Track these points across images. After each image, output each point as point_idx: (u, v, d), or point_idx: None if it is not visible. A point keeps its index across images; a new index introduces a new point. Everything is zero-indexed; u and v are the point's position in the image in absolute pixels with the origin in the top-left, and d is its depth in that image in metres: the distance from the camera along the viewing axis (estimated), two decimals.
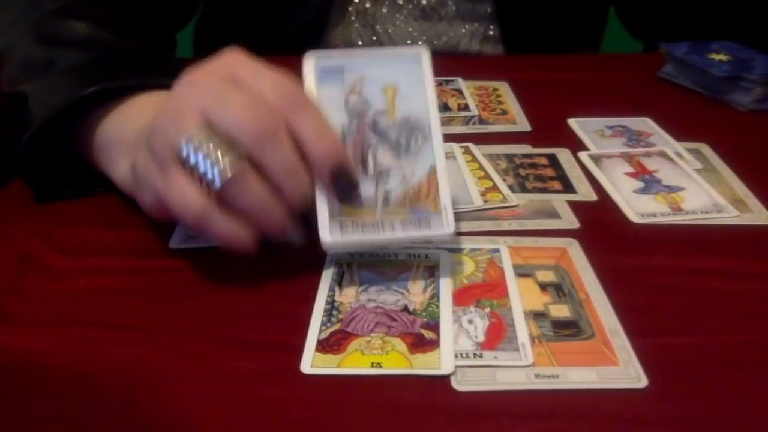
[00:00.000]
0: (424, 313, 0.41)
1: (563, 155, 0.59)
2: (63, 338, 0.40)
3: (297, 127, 0.41)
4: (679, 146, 0.61)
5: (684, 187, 0.54)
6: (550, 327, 0.41)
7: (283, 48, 0.62)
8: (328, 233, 0.43)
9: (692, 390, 0.37)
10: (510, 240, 0.48)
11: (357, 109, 0.44)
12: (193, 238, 0.48)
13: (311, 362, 0.38)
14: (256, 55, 0.43)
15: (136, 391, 0.37)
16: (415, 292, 0.43)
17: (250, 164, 0.40)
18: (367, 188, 0.43)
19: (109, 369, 0.38)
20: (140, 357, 0.39)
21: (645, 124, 0.65)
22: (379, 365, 0.38)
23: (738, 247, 0.48)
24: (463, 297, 0.43)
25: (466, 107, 0.68)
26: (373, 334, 0.40)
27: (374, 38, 0.82)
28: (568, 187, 0.55)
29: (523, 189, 0.54)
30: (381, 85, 0.44)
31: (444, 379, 0.37)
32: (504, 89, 0.72)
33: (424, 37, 0.82)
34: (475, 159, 0.58)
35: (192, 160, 0.40)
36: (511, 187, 0.54)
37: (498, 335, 0.40)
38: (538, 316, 0.41)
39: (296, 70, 0.44)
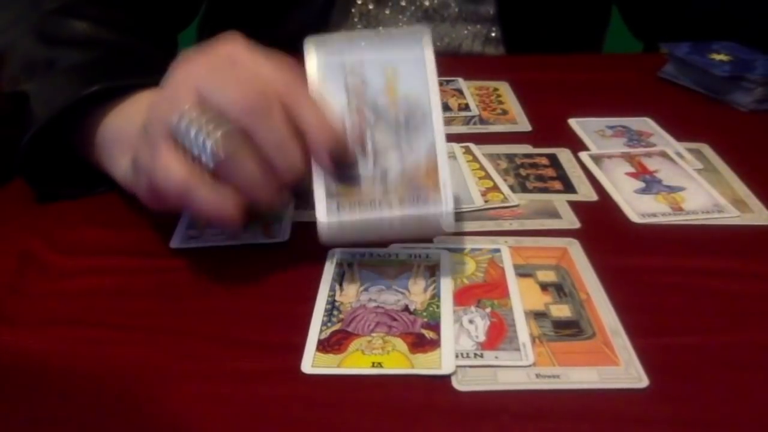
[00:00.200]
0: (424, 313, 0.41)
1: (564, 155, 0.59)
2: (63, 338, 0.40)
3: (294, 107, 0.41)
4: (680, 146, 0.60)
5: (685, 187, 0.54)
6: (550, 327, 0.41)
7: (285, 48, 0.62)
8: (325, 213, 0.43)
9: (693, 390, 0.37)
10: (511, 240, 0.48)
11: (356, 90, 0.44)
12: (193, 238, 0.48)
13: (312, 362, 0.38)
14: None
15: (137, 390, 0.37)
16: (416, 292, 0.43)
17: (242, 140, 0.40)
18: (365, 168, 0.43)
19: (110, 369, 0.38)
20: (141, 357, 0.39)
21: (646, 124, 0.65)
22: (379, 365, 0.38)
23: (739, 247, 0.48)
24: (463, 297, 0.43)
25: (467, 107, 0.68)
26: (373, 334, 0.40)
27: None
28: (568, 187, 0.55)
29: (524, 189, 0.54)
30: (381, 66, 0.44)
31: (445, 379, 0.37)
32: (504, 89, 0.72)
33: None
34: (475, 159, 0.58)
35: (184, 135, 0.40)
36: (511, 187, 0.54)
37: (499, 335, 0.40)
38: (538, 316, 0.41)
39: (298, 68, 0.44)
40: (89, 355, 0.39)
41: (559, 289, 0.44)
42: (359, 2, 0.81)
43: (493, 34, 0.83)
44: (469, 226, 0.50)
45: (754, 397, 0.37)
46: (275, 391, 0.37)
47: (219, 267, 0.46)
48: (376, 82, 0.44)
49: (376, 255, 0.46)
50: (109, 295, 0.44)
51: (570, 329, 0.40)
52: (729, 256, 0.47)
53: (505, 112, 0.67)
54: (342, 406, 0.36)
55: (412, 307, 0.42)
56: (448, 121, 0.64)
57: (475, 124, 0.65)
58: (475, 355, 0.39)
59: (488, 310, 0.42)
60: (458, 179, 0.54)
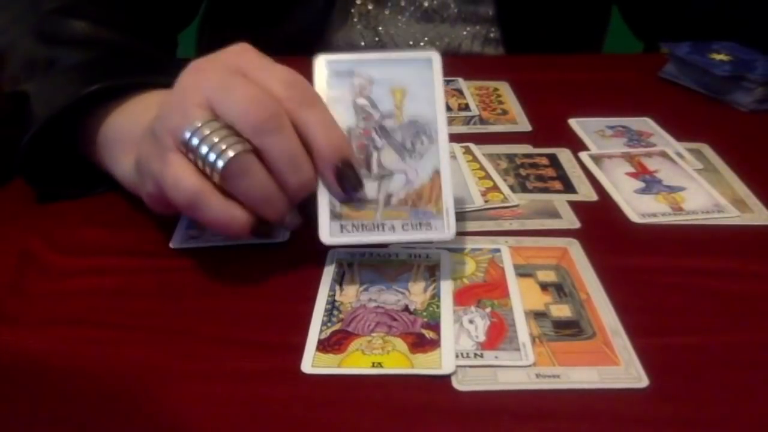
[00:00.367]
0: (424, 313, 0.41)
1: (564, 155, 0.59)
2: (63, 338, 0.40)
3: (302, 120, 0.41)
4: (680, 146, 0.60)
5: (685, 187, 0.54)
6: (551, 327, 0.41)
7: (285, 49, 0.62)
8: (327, 233, 0.43)
9: (693, 390, 0.37)
10: (511, 240, 0.48)
11: (364, 111, 0.44)
12: (194, 238, 0.48)
13: (312, 362, 0.38)
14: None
15: (137, 390, 0.37)
16: (416, 292, 0.43)
17: (253, 159, 0.41)
18: (369, 189, 0.43)
19: (110, 369, 0.38)
20: (141, 357, 0.39)
21: (646, 124, 0.65)
22: (379, 365, 0.38)
23: (739, 247, 0.48)
24: (463, 297, 0.43)
25: (467, 107, 0.68)
26: (373, 334, 0.40)
27: (377, 39, 0.82)
28: (568, 187, 0.55)
29: (524, 189, 0.54)
30: (389, 88, 0.44)
31: (445, 379, 0.37)
32: (504, 89, 0.72)
33: (426, 39, 0.82)
34: (475, 159, 0.58)
35: (195, 146, 0.40)
36: (511, 187, 0.54)
37: (499, 335, 0.40)
38: (539, 315, 0.41)
39: (300, 70, 0.44)
40: (89, 355, 0.39)
41: (559, 289, 0.44)
42: (359, 2, 0.81)
43: (493, 35, 0.83)
44: (469, 226, 0.50)
45: (754, 397, 0.37)
46: (275, 391, 0.37)
47: (219, 267, 0.46)
48: (384, 103, 0.44)
49: (376, 255, 0.46)
50: (109, 295, 0.44)
51: (570, 329, 0.40)
52: (729, 256, 0.47)
53: (505, 112, 0.67)
54: (342, 406, 0.36)
55: (412, 307, 0.42)
56: (448, 121, 0.64)
57: (475, 124, 0.65)
58: (475, 355, 0.39)
59: (488, 310, 0.42)
60: (458, 179, 0.55)
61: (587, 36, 0.92)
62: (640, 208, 0.52)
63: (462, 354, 0.39)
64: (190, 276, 0.45)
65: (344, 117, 0.44)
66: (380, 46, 0.82)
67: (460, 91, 0.71)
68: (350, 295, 0.43)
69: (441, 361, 0.38)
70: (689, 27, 0.81)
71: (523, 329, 0.40)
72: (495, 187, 0.54)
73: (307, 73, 0.44)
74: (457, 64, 0.76)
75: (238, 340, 0.40)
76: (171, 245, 0.48)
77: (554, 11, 0.84)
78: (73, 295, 0.44)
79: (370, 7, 0.81)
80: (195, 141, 0.40)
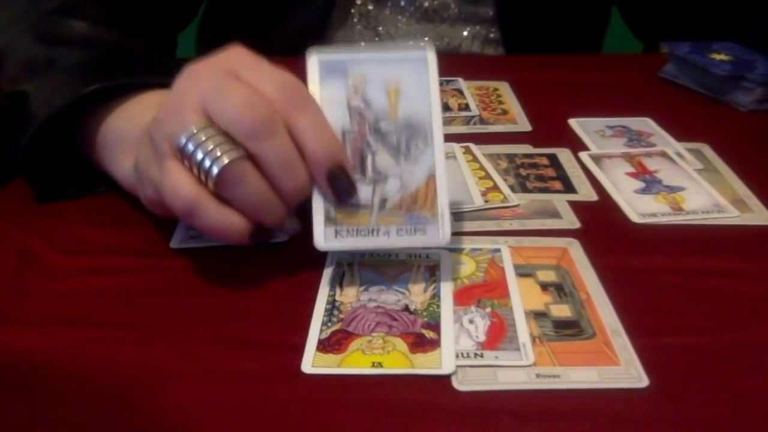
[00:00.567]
0: (424, 313, 0.41)
1: (564, 155, 0.59)
2: (63, 338, 0.40)
3: (295, 123, 0.41)
4: (680, 146, 0.60)
5: (685, 187, 0.54)
6: (551, 327, 0.41)
7: (285, 49, 0.62)
8: (322, 238, 0.43)
9: (693, 390, 0.37)
10: (511, 240, 0.48)
11: (358, 110, 0.44)
12: (194, 237, 0.48)
13: (312, 362, 0.38)
14: (258, 54, 0.44)
15: (137, 390, 0.37)
16: (416, 292, 0.43)
17: (248, 158, 0.41)
18: (363, 192, 0.43)
19: (110, 369, 0.38)
20: (141, 356, 0.39)
21: (645, 124, 0.65)
22: (380, 365, 0.38)
23: (739, 248, 0.48)
24: (464, 297, 0.43)
25: (467, 107, 0.68)
26: (374, 334, 0.40)
27: (377, 39, 0.82)
28: (568, 187, 0.55)
29: (524, 189, 0.54)
30: (384, 86, 0.44)
31: (445, 379, 0.37)
32: (504, 89, 0.72)
33: (426, 39, 0.82)
34: (475, 159, 0.58)
35: (191, 152, 0.40)
36: (511, 187, 0.54)
37: (499, 335, 0.40)
38: (539, 315, 0.41)
39: (298, 71, 0.44)
40: (89, 355, 0.39)
41: (560, 289, 0.44)
42: (359, 2, 0.81)
43: (493, 35, 0.83)
44: (469, 226, 0.50)
45: (754, 397, 0.37)
46: (275, 390, 0.37)
47: (219, 267, 0.46)
48: (378, 103, 0.44)
49: (376, 255, 0.46)
50: (109, 295, 0.44)
51: (570, 329, 0.40)
52: (729, 256, 0.47)
53: (505, 112, 0.67)
54: (342, 406, 0.36)
55: (412, 307, 0.42)
56: (448, 121, 0.64)
57: (475, 124, 0.65)
58: (476, 354, 0.39)
59: (488, 309, 0.42)
60: (458, 179, 0.55)
61: (587, 36, 0.92)
62: (640, 208, 0.52)
63: (462, 354, 0.39)
64: (190, 276, 0.45)
65: (338, 118, 0.43)
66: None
67: (460, 91, 0.71)
68: (350, 295, 0.43)
69: (441, 361, 0.38)
70: (689, 27, 0.81)
71: (523, 329, 0.40)
72: (495, 187, 0.54)
73: (304, 74, 0.44)
74: (457, 64, 0.76)
75: (238, 340, 0.40)
76: (171, 245, 0.48)
77: (554, 12, 0.84)
78: (73, 295, 0.44)
79: (370, 7, 0.81)
80: (190, 147, 0.40)
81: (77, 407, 0.36)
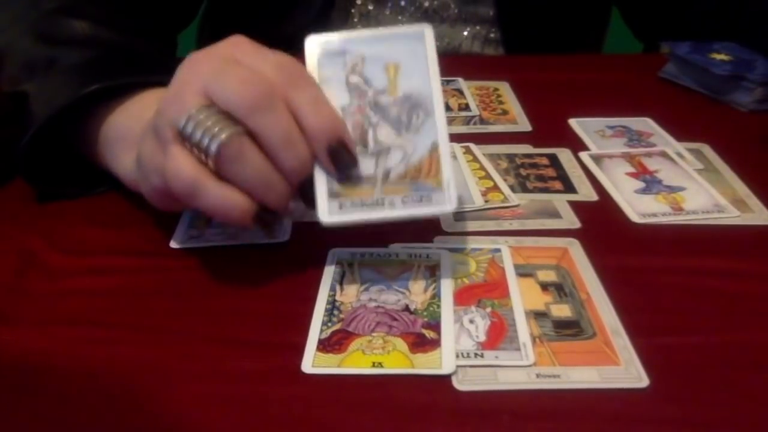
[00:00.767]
0: (425, 313, 0.41)
1: (564, 155, 0.59)
2: (63, 338, 0.40)
3: (294, 100, 0.41)
4: (680, 146, 0.60)
5: (685, 187, 0.54)
6: (551, 327, 0.41)
7: (286, 49, 0.61)
8: (326, 212, 0.42)
9: (693, 390, 0.37)
10: (511, 240, 0.48)
11: (358, 88, 0.43)
12: (194, 237, 0.48)
13: (312, 362, 0.38)
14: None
15: (137, 390, 0.37)
16: (416, 292, 0.43)
17: (248, 141, 0.41)
18: (367, 166, 0.43)
19: (110, 369, 0.38)
20: (141, 356, 0.39)
21: (646, 124, 0.65)
22: (380, 365, 0.38)
23: (739, 248, 0.48)
24: (464, 297, 0.43)
25: (467, 107, 0.68)
26: (374, 334, 0.40)
27: None
28: (569, 187, 0.55)
29: (524, 189, 0.54)
30: (383, 64, 0.44)
31: (445, 379, 0.37)
32: (505, 89, 0.72)
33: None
34: (476, 159, 0.58)
35: (190, 133, 0.40)
36: (512, 187, 0.54)
37: (499, 335, 0.40)
38: (539, 315, 0.41)
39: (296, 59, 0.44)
40: (89, 355, 0.39)
41: (560, 289, 0.44)
42: (359, 2, 0.81)
43: (493, 35, 0.83)
44: (470, 226, 0.50)
45: (754, 397, 0.37)
46: (276, 390, 0.37)
47: (219, 267, 0.46)
48: (377, 80, 0.44)
49: (377, 255, 0.46)
50: (109, 295, 0.44)
51: (570, 329, 0.40)
52: (729, 256, 0.47)
53: (505, 112, 0.67)
54: (342, 406, 0.36)
55: (412, 307, 0.42)
56: (448, 121, 0.64)
57: (475, 124, 0.65)
58: (476, 354, 0.39)
59: (488, 309, 0.42)
60: (459, 179, 0.54)
61: (587, 36, 0.92)
62: (640, 208, 0.52)
63: (462, 354, 0.38)
64: (190, 276, 0.45)
65: (337, 96, 0.43)
66: None
67: (460, 91, 0.71)
68: (350, 294, 0.43)
69: (441, 361, 0.38)
70: (689, 28, 0.81)
71: (523, 329, 0.40)
72: (495, 187, 0.54)
73: (304, 61, 0.44)
74: (457, 64, 0.76)
75: (238, 340, 0.40)
76: (171, 245, 0.48)
77: (554, 12, 0.84)
78: (73, 295, 0.44)
79: (370, 7, 0.81)
80: (190, 128, 0.40)
81: (77, 407, 0.36)
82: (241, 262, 0.46)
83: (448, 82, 0.72)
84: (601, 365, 0.38)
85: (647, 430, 0.35)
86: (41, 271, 0.46)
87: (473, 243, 0.48)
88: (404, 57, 0.44)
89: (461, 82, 0.72)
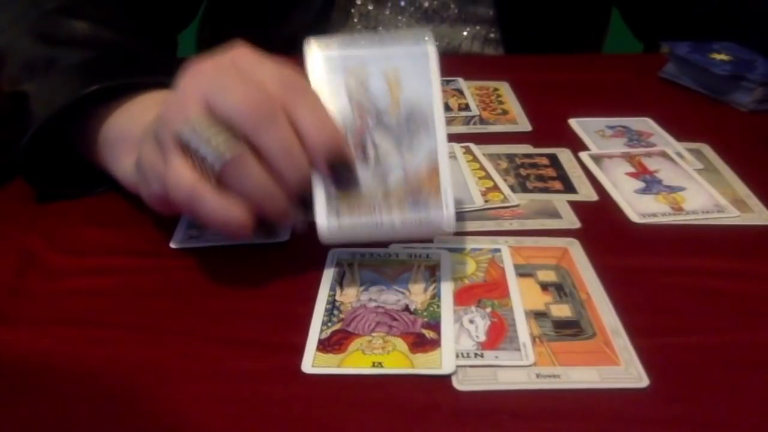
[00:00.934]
0: (425, 313, 0.41)
1: (564, 155, 0.59)
2: (63, 338, 0.40)
3: (295, 113, 0.41)
4: (680, 146, 0.60)
5: (685, 187, 0.54)
6: (551, 327, 0.41)
7: (285, 49, 0.61)
8: (325, 221, 0.42)
9: (693, 390, 0.37)
10: (511, 240, 0.48)
11: (357, 94, 0.44)
12: (194, 237, 0.48)
13: (312, 362, 0.38)
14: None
15: (137, 390, 0.37)
16: (416, 292, 0.43)
17: (250, 149, 0.41)
18: (366, 181, 0.43)
19: (110, 369, 0.38)
20: (141, 356, 0.39)
21: (646, 124, 0.65)
22: (380, 365, 0.38)
23: (739, 248, 0.48)
24: (464, 297, 0.43)
25: (467, 107, 0.68)
26: (374, 334, 0.40)
27: None
28: (568, 187, 0.55)
29: (524, 189, 0.54)
30: (383, 72, 0.44)
31: (445, 379, 0.37)
32: (504, 89, 0.72)
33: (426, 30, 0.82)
34: (475, 159, 0.58)
35: (193, 145, 0.40)
36: (512, 187, 0.54)
37: (499, 335, 0.40)
38: (539, 315, 0.41)
39: (298, 68, 0.44)
40: (89, 355, 0.39)
41: (560, 289, 0.44)
42: (359, 2, 0.81)
43: (492, 35, 0.83)
44: (470, 226, 0.50)
45: (754, 397, 0.37)
46: (275, 390, 0.37)
47: (219, 267, 0.46)
48: (377, 86, 0.44)
49: (376, 255, 0.46)
50: (109, 295, 0.44)
51: (570, 329, 0.40)
52: (729, 256, 0.47)
53: (505, 112, 0.67)
54: (342, 406, 0.36)
55: (412, 307, 0.42)
56: (448, 121, 0.64)
57: (475, 124, 0.65)
58: (476, 354, 0.39)
59: (488, 309, 0.42)
60: (458, 179, 0.54)
61: (587, 36, 0.92)
62: (640, 208, 0.52)
63: (462, 354, 0.38)
64: (190, 276, 0.45)
65: (338, 108, 0.43)
66: None
67: (460, 91, 0.71)
68: (350, 295, 0.43)
69: (441, 361, 0.38)
70: (689, 27, 0.81)
71: (523, 329, 0.40)
72: (495, 187, 0.54)
73: (304, 66, 0.44)
74: (457, 64, 0.76)
75: (238, 340, 0.40)
76: (171, 245, 0.48)
77: (554, 12, 0.84)
78: (73, 295, 0.44)
79: (370, 7, 0.81)
80: (191, 139, 0.40)
81: (77, 407, 0.36)
82: (241, 262, 0.46)
83: (448, 82, 0.72)
84: (601, 365, 0.38)
85: (647, 430, 0.35)
86: (41, 271, 0.46)
87: (473, 243, 0.48)
88: (405, 66, 0.44)
89: (461, 82, 0.72)
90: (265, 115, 0.40)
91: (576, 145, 0.61)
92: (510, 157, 0.59)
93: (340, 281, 0.44)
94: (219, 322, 0.41)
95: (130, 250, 0.48)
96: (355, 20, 0.82)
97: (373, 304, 0.42)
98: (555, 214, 0.51)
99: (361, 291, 0.43)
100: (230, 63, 0.42)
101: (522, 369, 0.38)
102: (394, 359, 0.38)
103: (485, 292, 0.43)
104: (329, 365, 0.38)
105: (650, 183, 0.55)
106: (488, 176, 0.55)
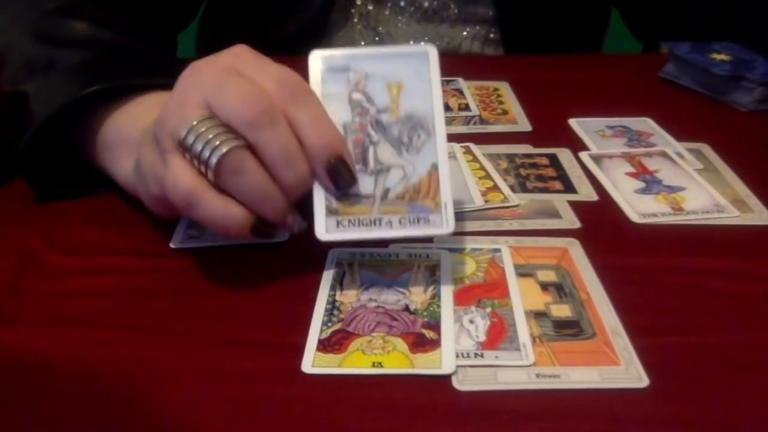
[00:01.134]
0: (425, 313, 0.41)
1: (564, 155, 0.59)
2: (63, 338, 0.40)
3: (295, 116, 0.41)
4: (680, 146, 0.60)
5: (685, 187, 0.54)
6: (551, 327, 0.41)
7: (285, 48, 0.62)
8: (324, 230, 0.43)
9: (693, 390, 0.37)
10: (511, 240, 0.48)
11: (360, 106, 0.44)
12: (194, 237, 0.48)
13: (312, 362, 0.38)
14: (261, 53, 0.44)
15: (137, 390, 0.37)
16: (416, 292, 0.43)
17: (248, 155, 0.41)
18: (366, 185, 0.43)
19: (110, 369, 0.38)
20: (141, 356, 0.39)
21: (646, 124, 0.65)
22: (380, 365, 0.38)
23: (739, 248, 0.48)
24: (464, 297, 0.43)
25: (467, 107, 0.68)
26: (374, 334, 0.40)
27: (377, 39, 0.82)
28: (568, 187, 0.55)
29: (524, 189, 0.54)
30: (386, 82, 0.44)
31: (445, 379, 0.37)
32: (504, 89, 0.72)
33: (425, 39, 0.82)
34: (475, 159, 0.58)
35: (191, 144, 0.40)
36: (512, 187, 0.54)
37: (499, 335, 0.40)
38: (539, 315, 0.41)
39: (298, 70, 0.44)
40: (89, 355, 0.39)
41: (560, 289, 0.44)
42: (359, 2, 0.81)
43: (492, 35, 0.83)
44: (470, 226, 0.50)
45: (754, 397, 0.37)
46: (276, 390, 0.37)
47: (219, 267, 0.46)
48: (380, 99, 0.44)
49: (376, 255, 0.46)
50: (109, 295, 0.44)
51: (570, 329, 0.40)
52: (729, 256, 0.47)
53: (505, 112, 0.67)
54: (342, 406, 0.36)
55: (412, 307, 0.42)
56: (448, 121, 0.64)
57: (475, 124, 0.65)
58: (476, 354, 0.39)
59: (488, 309, 0.42)
60: (458, 179, 0.55)
61: (587, 36, 0.92)
62: (640, 208, 0.52)
63: (462, 354, 0.39)
64: (190, 276, 0.45)
65: (339, 112, 0.43)
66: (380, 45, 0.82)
67: (460, 91, 0.71)
68: (350, 295, 0.43)
69: (441, 361, 0.38)
70: (689, 27, 0.81)
71: (523, 329, 0.40)
72: (495, 187, 0.54)
73: (306, 72, 0.44)
74: (457, 64, 0.76)
75: (238, 340, 0.40)
76: (171, 245, 0.48)
77: (554, 12, 0.84)
78: (73, 295, 0.44)
79: (370, 7, 0.81)
80: (190, 139, 0.40)
81: (77, 407, 0.36)
82: (241, 262, 0.46)
83: (448, 82, 0.72)
84: (601, 365, 0.38)
85: (647, 430, 0.35)
86: (41, 271, 0.46)
87: (473, 243, 0.48)
88: (407, 76, 0.44)
89: (461, 82, 0.72)
90: (265, 119, 0.40)
91: (576, 145, 0.61)
92: (510, 157, 0.59)
93: (340, 281, 0.44)
94: (219, 322, 0.41)
95: (130, 250, 0.48)
96: (355, 20, 0.82)
97: (373, 304, 0.42)
98: (555, 214, 0.51)
99: (361, 291, 0.43)
100: (230, 64, 0.42)
101: (522, 369, 0.38)
102: (394, 359, 0.38)
103: (485, 292, 0.43)
104: (329, 365, 0.38)
105: (650, 183, 0.55)
106: (488, 176, 0.55)
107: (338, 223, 0.43)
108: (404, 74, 0.44)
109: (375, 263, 0.46)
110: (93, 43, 0.56)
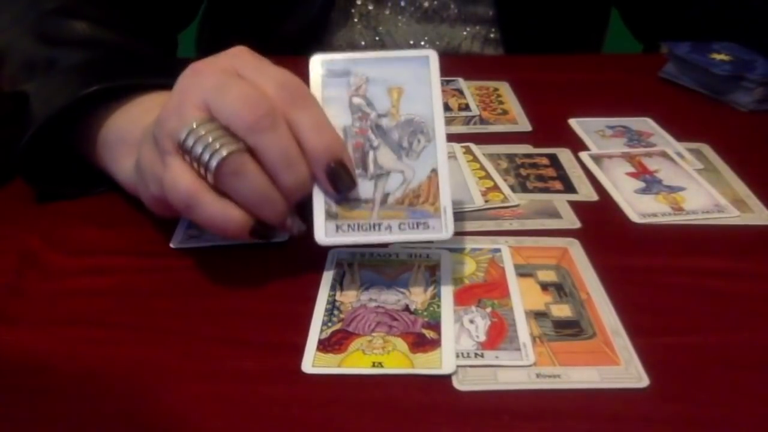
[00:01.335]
0: (425, 313, 0.41)
1: (564, 155, 0.59)
2: (63, 338, 0.40)
3: (295, 120, 0.41)
4: (680, 146, 0.60)
5: (685, 187, 0.54)
6: (551, 327, 0.41)
7: (286, 49, 0.62)
8: (323, 233, 0.43)
9: (693, 390, 0.37)
10: (511, 240, 0.48)
11: (360, 110, 0.44)
12: (194, 237, 0.48)
13: (312, 362, 0.38)
14: (261, 54, 0.44)
15: (137, 390, 0.37)
16: (417, 292, 0.43)
17: (248, 158, 0.41)
18: (366, 189, 0.43)
19: (110, 369, 0.38)
20: (141, 356, 0.39)
21: (646, 124, 0.65)
22: (380, 365, 0.38)
23: (739, 248, 0.48)
24: (464, 297, 0.43)
25: (467, 107, 0.68)
26: (374, 334, 0.40)
27: (377, 39, 0.82)
28: (569, 187, 0.55)
29: (524, 189, 0.54)
30: (386, 87, 0.44)
31: (445, 379, 0.37)
32: (505, 89, 0.72)
33: (425, 39, 0.82)
34: (476, 159, 0.58)
35: (191, 147, 0.40)
36: (512, 187, 0.54)
37: (499, 335, 0.40)
38: (539, 315, 0.41)
39: (298, 71, 0.44)
40: (89, 355, 0.39)
41: (560, 289, 0.44)
42: (359, 2, 0.81)
43: (492, 35, 0.83)
44: (470, 226, 0.50)
45: (754, 397, 0.37)
46: (276, 390, 0.37)
47: (219, 267, 0.46)
48: (380, 103, 0.44)
49: (376, 255, 0.46)
50: (109, 295, 0.44)
51: (570, 329, 0.40)
52: (729, 256, 0.47)
53: (505, 112, 0.67)
54: (342, 406, 0.36)
55: (412, 307, 0.42)
56: (448, 121, 0.64)
57: (475, 124, 0.65)
58: (476, 354, 0.39)
59: (489, 309, 0.42)
60: (458, 179, 0.55)
61: (587, 36, 0.92)
62: (640, 208, 0.52)
63: (462, 354, 0.39)
64: (190, 276, 0.45)
65: (340, 116, 0.43)
66: (380, 46, 0.82)
67: (460, 91, 0.71)
68: (350, 295, 0.43)
69: (441, 361, 0.38)
70: (689, 27, 0.81)
71: (523, 329, 0.40)
72: (495, 187, 0.54)
73: (306, 73, 0.44)
74: (457, 64, 0.76)
75: (238, 340, 0.40)
76: (171, 245, 0.48)
77: (554, 12, 0.84)
78: (73, 295, 0.44)
79: (370, 7, 0.81)
80: (190, 142, 0.40)
81: (77, 407, 0.36)
82: (241, 262, 0.46)
83: (448, 82, 0.72)
84: (601, 365, 0.38)
85: (647, 430, 0.35)
86: (41, 271, 0.46)
87: (473, 243, 0.48)
88: (408, 80, 0.44)
89: (461, 82, 0.72)
90: (264, 122, 0.40)
91: (576, 145, 0.61)
92: (510, 157, 0.59)
93: (340, 281, 0.44)
94: (219, 322, 0.41)
95: (130, 250, 0.48)
96: (355, 20, 0.82)
97: (373, 304, 0.42)
98: (555, 214, 0.51)
99: (361, 291, 0.43)
100: (230, 66, 0.42)
101: (522, 369, 0.38)
102: (394, 359, 0.38)
103: (485, 292, 0.43)
104: (329, 365, 0.38)
105: (650, 183, 0.55)
106: (488, 176, 0.55)
107: (338, 227, 0.43)
108: (405, 79, 0.44)
109: (375, 263, 0.46)
110: (93, 43, 0.56)
